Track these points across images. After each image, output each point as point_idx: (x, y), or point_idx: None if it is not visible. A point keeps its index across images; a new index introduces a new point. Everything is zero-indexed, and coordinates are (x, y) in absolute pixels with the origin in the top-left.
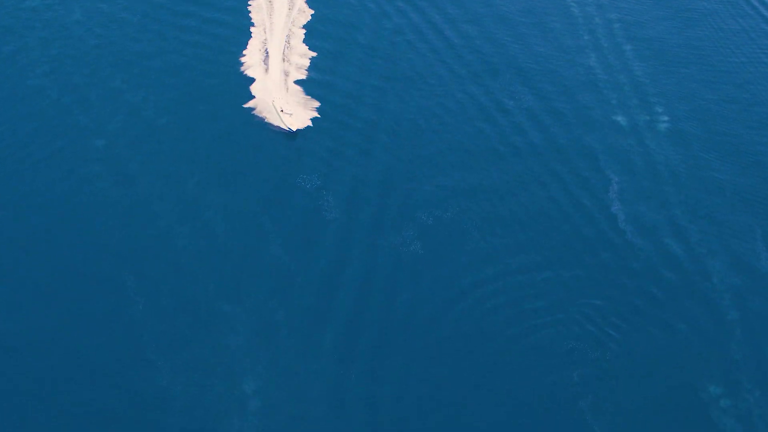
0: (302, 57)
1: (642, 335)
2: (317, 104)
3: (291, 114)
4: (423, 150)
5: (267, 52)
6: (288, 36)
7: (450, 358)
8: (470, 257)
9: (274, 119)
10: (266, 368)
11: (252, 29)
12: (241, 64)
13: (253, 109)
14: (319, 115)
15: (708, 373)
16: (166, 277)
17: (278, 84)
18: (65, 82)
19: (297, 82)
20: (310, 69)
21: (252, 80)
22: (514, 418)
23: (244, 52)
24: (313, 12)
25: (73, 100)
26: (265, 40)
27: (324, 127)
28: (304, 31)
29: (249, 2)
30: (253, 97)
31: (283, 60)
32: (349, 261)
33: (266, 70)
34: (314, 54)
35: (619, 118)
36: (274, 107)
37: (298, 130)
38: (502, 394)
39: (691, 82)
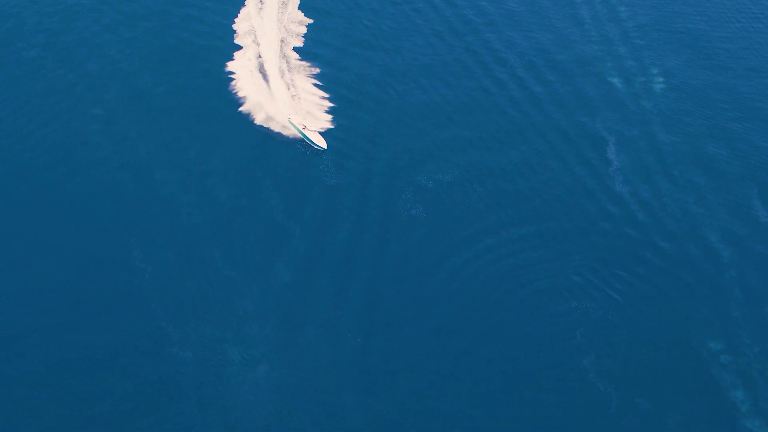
0: (298, 24)
1: (643, 294)
2: (316, 70)
3: (313, 130)
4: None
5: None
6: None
7: (450, 315)
8: (469, 217)
9: (296, 133)
10: (274, 331)
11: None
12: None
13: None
14: (324, 89)
15: (708, 330)
16: (171, 244)
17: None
18: (61, 53)
19: (295, 49)
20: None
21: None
22: (517, 374)
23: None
24: None
25: (70, 70)
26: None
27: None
28: None
29: None
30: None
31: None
32: (352, 223)
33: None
34: (310, 20)
35: (615, 80)
36: (293, 125)
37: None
38: (505, 350)
39: (683, 38)
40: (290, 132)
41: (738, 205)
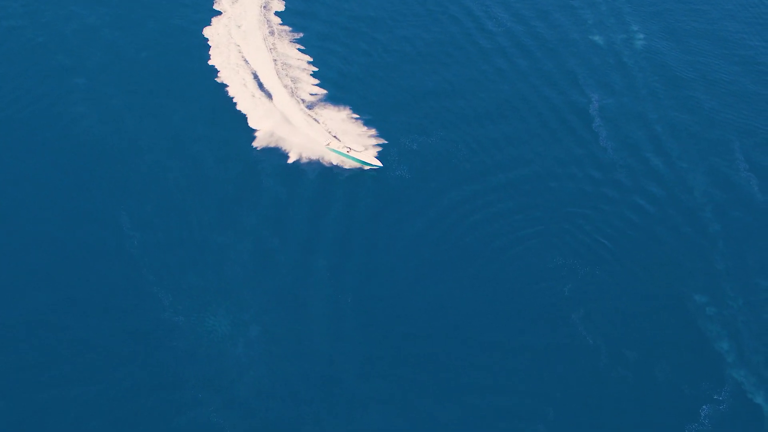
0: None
1: (628, 248)
2: (299, 35)
3: (351, 149)
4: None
5: None
6: None
7: (440, 274)
8: (457, 177)
9: (344, 160)
10: (265, 294)
11: None
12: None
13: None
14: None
15: (693, 283)
16: (159, 211)
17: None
18: (40, 22)
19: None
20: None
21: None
22: (507, 329)
23: None
24: None
25: (50, 38)
26: None
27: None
28: None
29: None
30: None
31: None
32: (337, 187)
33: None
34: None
35: (597, 38)
36: (335, 151)
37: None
38: (494, 306)
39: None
40: (331, 159)
41: (720, 158)
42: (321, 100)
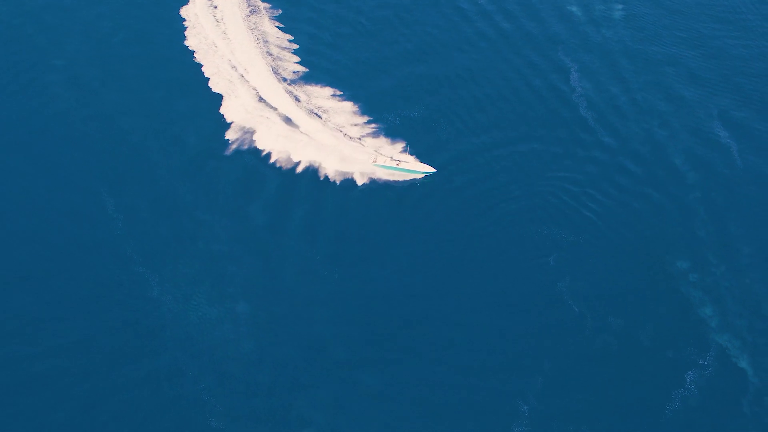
0: None
1: (611, 218)
2: (278, 11)
3: (400, 161)
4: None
5: None
6: None
7: (423, 244)
8: (440, 143)
9: (396, 173)
10: (251, 270)
11: None
12: None
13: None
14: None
15: (676, 250)
16: (142, 191)
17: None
18: (16, 3)
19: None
20: None
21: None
22: (493, 300)
23: None
24: None
25: (27, 21)
26: None
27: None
28: None
29: None
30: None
31: None
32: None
33: None
34: None
35: (574, 8)
36: (383, 167)
37: None
38: (479, 278)
39: None
40: (383, 174)
41: (700, 127)
42: (303, 78)
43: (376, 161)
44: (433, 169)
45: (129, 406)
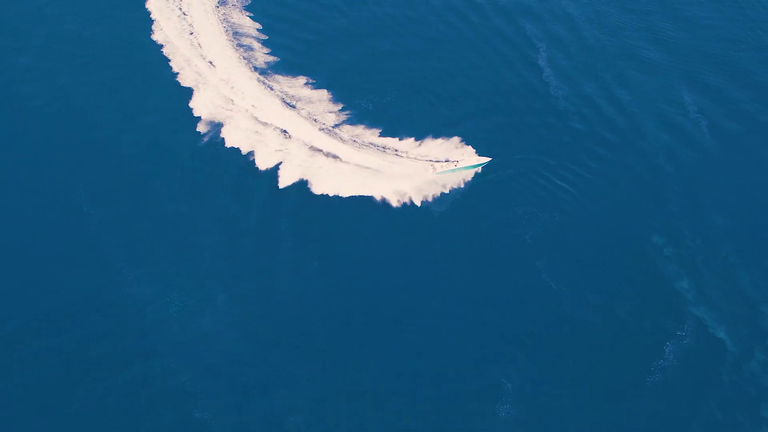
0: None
1: (586, 194)
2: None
3: (458, 160)
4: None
5: None
6: None
7: (402, 229)
8: (418, 117)
9: (459, 172)
10: (229, 262)
11: None
12: None
13: None
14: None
15: (651, 225)
16: (117, 185)
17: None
18: None
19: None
20: None
21: None
22: (473, 280)
23: None
24: None
25: None
26: None
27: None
28: None
29: None
30: None
31: None
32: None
33: None
34: None
35: None
36: (444, 172)
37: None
38: (459, 259)
39: None
40: (447, 179)
41: (669, 103)
42: (275, 68)
43: (435, 170)
44: (488, 159)
45: (110, 402)
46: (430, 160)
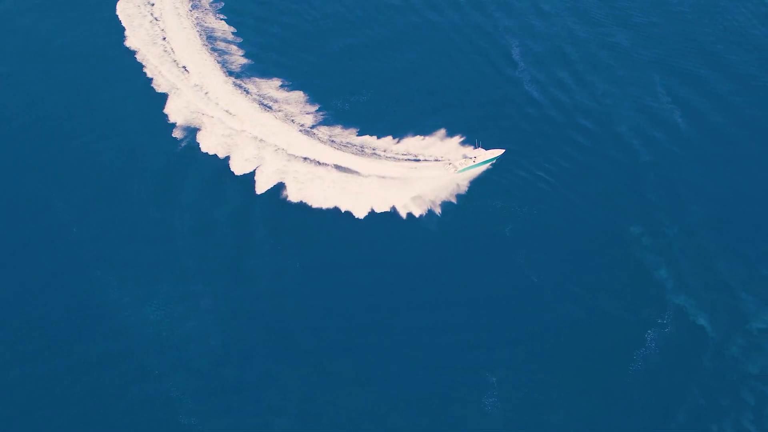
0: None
1: (563, 187)
2: (221, 4)
3: (474, 156)
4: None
5: None
6: None
7: (383, 225)
8: (395, 115)
9: (477, 168)
10: (212, 264)
11: None
12: None
13: None
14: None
15: (628, 215)
16: (94, 193)
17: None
18: None
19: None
20: None
21: None
22: (454, 277)
23: None
24: None
25: None
26: None
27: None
28: None
29: None
30: None
31: None
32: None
33: None
34: None
35: None
36: (466, 169)
37: None
38: (439, 256)
39: None
40: (466, 176)
41: (643, 93)
42: (250, 71)
43: (457, 169)
44: (502, 151)
45: (97, 409)
46: (449, 160)
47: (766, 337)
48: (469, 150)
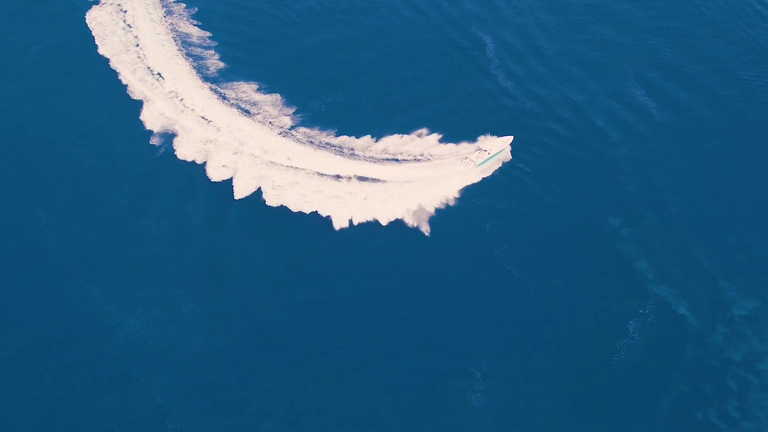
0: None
1: (541, 180)
2: (194, 10)
3: (488, 149)
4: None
5: None
6: None
7: (367, 225)
8: (365, 125)
9: (493, 160)
10: (192, 270)
11: None
12: None
13: None
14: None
15: (607, 207)
16: (73, 202)
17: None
18: None
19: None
20: None
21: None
22: (435, 275)
23: None
24: None
25: None
26: None
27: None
28: None
29: None
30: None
31: None
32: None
33: None
34: None
35: None
36: (483, 163)
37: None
38: (418, 254)
39: None
40: (484, 168)
41: (618, 86)
42: (226, 75)
43: (475, 162)
44: (511, 138)
45: (82, 419)
46: (465, 156)
47: (748, 324)
48: (464, 145)
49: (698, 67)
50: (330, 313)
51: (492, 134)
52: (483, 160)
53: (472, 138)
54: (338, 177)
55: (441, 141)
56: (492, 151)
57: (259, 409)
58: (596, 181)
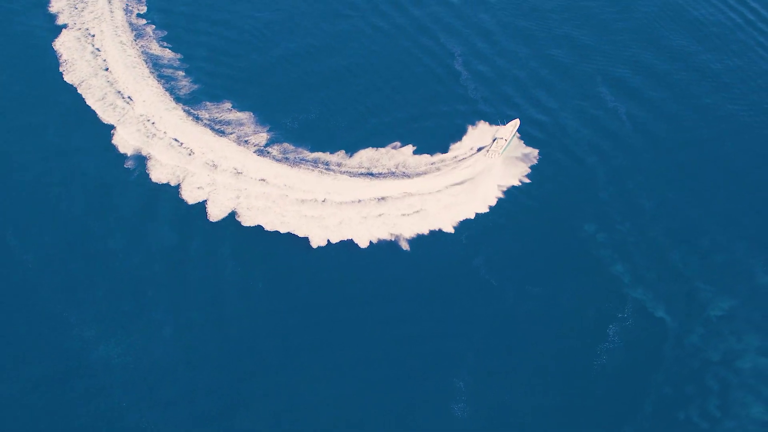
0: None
1: (514, 190)
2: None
3: (502, 137)
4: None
5: None
6: None
7: (344, 245)
8: (337, 140)
9: (511, 144)
10: (170, 293)
11: None
12: None
13: None
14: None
15: (581, 214)
16: (49, 228)
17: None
18: None
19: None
20: None
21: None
22: (414, 286)
23: None
24: None
25: None
26: None
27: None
28: None
29: None
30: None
31: None
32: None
33: None
34: None
35: None
36: (505, 150)
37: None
38: (396, 267)
39: None
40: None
41: (586, 94)
42: (198, 96)
43: (499, 151)
44: (517, 120)
45: None
46: (486, 150)
47: (725, 323)
48: (438, 156)
49: (673, 68)
50: (309, 327)
51: (500, 123)
52: (504, 147)
53: (444, 149)
54: (324, 201)
55: (415, 153)
56: (507, 137)
57: (244, 428)
58: (571, 188)
